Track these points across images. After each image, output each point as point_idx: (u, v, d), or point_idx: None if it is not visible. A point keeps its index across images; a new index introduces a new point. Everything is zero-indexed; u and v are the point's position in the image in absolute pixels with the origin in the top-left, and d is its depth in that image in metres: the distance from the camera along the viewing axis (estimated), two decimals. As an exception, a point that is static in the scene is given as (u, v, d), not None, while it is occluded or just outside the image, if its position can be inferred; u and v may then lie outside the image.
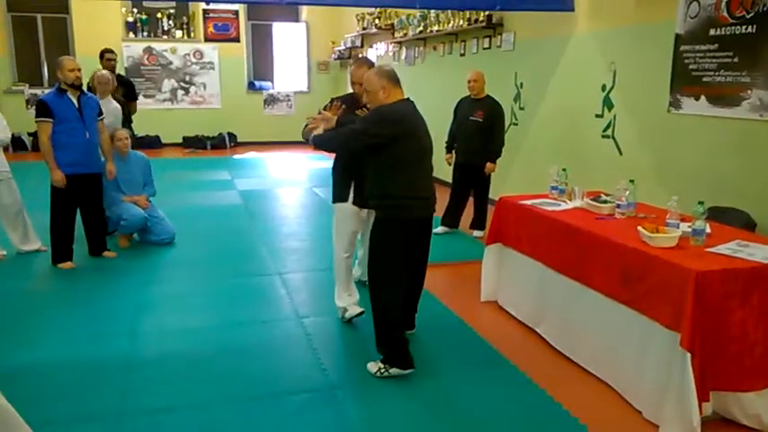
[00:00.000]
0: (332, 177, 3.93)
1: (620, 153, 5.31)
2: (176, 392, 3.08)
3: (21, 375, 3.20)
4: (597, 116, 5.57)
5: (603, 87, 5.48)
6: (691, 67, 4.51)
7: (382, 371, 3.22)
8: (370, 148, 3.12)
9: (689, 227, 3.03)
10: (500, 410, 2.96)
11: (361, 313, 3.86)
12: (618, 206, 3.59)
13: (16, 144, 11.45)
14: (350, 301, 3.93)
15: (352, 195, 3.78)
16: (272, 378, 3.25)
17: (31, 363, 3.36)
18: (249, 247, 5.74)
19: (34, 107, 4.92)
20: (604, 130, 5.50)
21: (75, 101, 4.80)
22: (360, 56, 4.02)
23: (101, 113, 5.12)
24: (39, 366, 3.33)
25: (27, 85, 11.86)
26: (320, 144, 3.31)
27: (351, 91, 3.95)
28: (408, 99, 3.22)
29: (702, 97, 4.43)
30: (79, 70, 4.81)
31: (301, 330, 3.84)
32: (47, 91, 5.20)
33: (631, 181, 3.67)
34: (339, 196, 3.85)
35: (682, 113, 4.63)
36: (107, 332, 3.79)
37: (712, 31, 4.31)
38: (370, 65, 3.70)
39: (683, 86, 4.59)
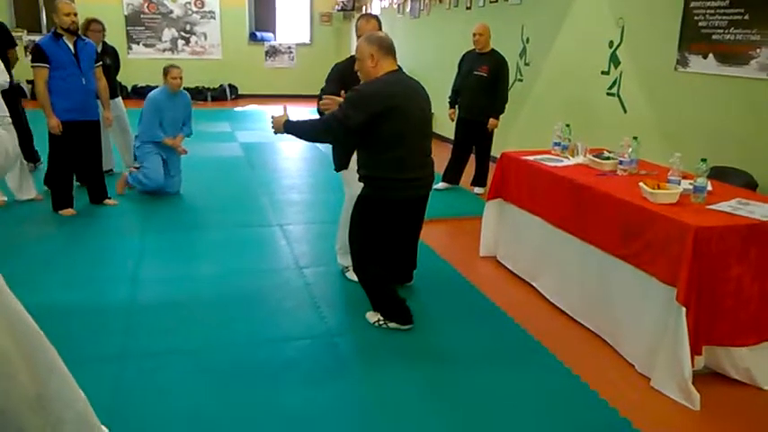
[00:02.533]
0: (332, 146, 3.75)
1: (625, 111, 5.27)
2: (177, 336, 3.13)
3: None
4: (603, 73, 5.50)
5: (611, 44, 5.40)
6: (700, 24, 4.44)
7: (381, 322, 3.26)
8: (354, 133, 2.96)
9: (690, 184, 3.03)
10: (493, 359, 3.01)
11: None
12: (620, 163, 3.58)
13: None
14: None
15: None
16: (271, 325, 3.30)
17: (33, 306, 3.32)
18: (250, 198, 5.75)
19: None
20: (610, 88, 5.44)
21: (71, 46, 4.73)
22: (367, 13, 3.80)
23: (98, 60, 5.05)
24: (40, 310, 3.29)
25: (25, 32, 11.66)
26: (304, 134, 3.12)
27: (353, 53, 3.79)
28: (398, 70, 3.05)
29: (710, 55, 4.37)
30: (75, 15, 4.72)
31: (301, 280, 3.88)
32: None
33: (635, 138, 3.65)
34: (343, 165, 3.71)
35: (689, 71, 4.57)
36: (108, 277, 3.83)
37: (724, -13, 4.22)
38: (379, 22, 3.60)
39: (692, 44, 4.52)
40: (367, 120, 2.91)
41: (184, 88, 5.72)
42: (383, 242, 3.23)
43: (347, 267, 3.89)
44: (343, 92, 3.32)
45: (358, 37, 3.61)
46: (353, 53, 3.17)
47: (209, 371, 2.82)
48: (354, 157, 3.52)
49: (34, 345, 1.63)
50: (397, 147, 3.00)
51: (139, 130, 5.53)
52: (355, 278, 3.56)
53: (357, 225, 3.22)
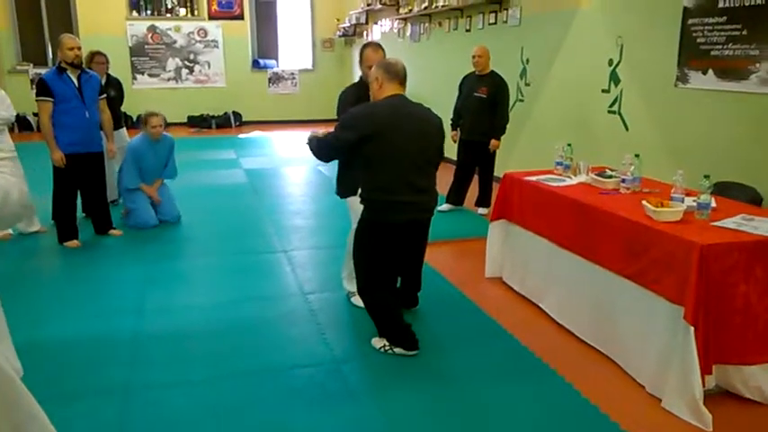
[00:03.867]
0: (338, 171, 3.76)
1: (627, 128, 5.27)
2: (183, 367, 3.12)
3: (29, 351, 3.21)
4: (604, 91, 5.52)
5: (610, 62, 5.42)
6: (699, 40, 4.45)
7: (386, 348, 3.24)
8: (347, 152, 3.10)
9: (694, 201, 3.01)
10: (501, 382, 2.98)
11: None
12: (623, 181, 3.57)
13: (21, 124, 11.48)
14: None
15: None
16: (277, 353, 3.28)
17: (39, 339, 3.40)
18: (255, 224, 5.76)
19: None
20: (611, 106, 5.45)
21: (75, 80, 4.79)
22: (375, 42, 3.81)
23: (102, 92, 5.11)
24: (46, 342, 3.37)
25: (31, 65, 11.83)
26: (314, 149, 3.23)
27: (357, 76, 3.81)
28: (399, 95, 3.09)
29: (710, 71, 4.38)
30: (79, 48, 4.79)
31: (306, 306, 3.86)
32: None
33: (636, 155, 3.64)
34: (350, 191, 3.66)
35: (689, 88, 4.58)
36: (114, 308, 3.82)
37: (721, 4, 4.24)
38: (384, 52, 3.68)
39: (691, 60, 4.54)
40: (356, 140, 3.00)
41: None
42: (385, 266, 3.22)
43: (353, 293, 3.86)
44: None
45: (361, 64, 3.69)
46: (356, 77, 3.22)
47: (215, 402, 2.80)
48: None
49: (12, 392, 1.58)
50: (385, 169, 3.03)
51: (119, 177, 5.55)
52: (361, 304, 3.52)
53: (359, 248, 3.24)
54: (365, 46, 3.76)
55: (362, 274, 3.24)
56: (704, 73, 4.43)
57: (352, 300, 3.88)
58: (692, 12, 4.48)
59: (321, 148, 3.18)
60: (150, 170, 5.62)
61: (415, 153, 3.07)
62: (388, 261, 3.23)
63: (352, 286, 3.84)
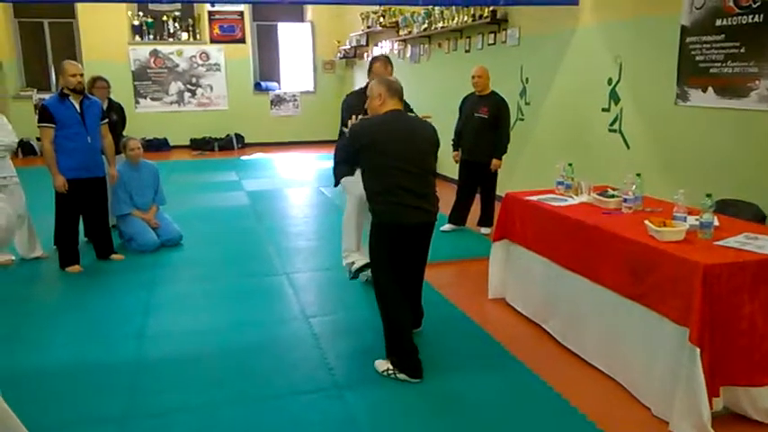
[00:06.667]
0: (334, 160, 4.26)
1: (628, 147, 5.27)
2: (183, 394, 3.08)
3: (28, 378, 3.21)
4: (604, 110, 5.53)
5: (610, 81, 5.44)
6: (697, 58, 4.47)
7: (389, 372, 3.21)
8: (353, 157, 3.44)
9: (696, 220, 2.99)
10: (507, 408, 2.94)
11: (367, 265, 4.08)
12: (625, 200, 3.55)
13: (25, 149, 11.55)
14: (358, 257, 4.27)
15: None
16: (278, 378, 3.24)
17: (39, 365, 3.37)
18: (256, 247, 5.75)
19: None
20: (611, 124, 5.45)
21: (77, 105, 4.81)
22: (385, 55, 4.18)
23: (104, 117, 5.13)
24: (46, 369, 3.34)
25: (35, 91, 11.93)
26: (338, 149, 3.55)
27: (359, 87, 4.21)
28: (398, 110, 3.30)
29: (710, 89, 4.38)
30: (81, 75, 4.82)
31: (308, 330, 3.83)
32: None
33: (638, 175, 3.63)
34: (342, 175, 4.17)
35: (689, 105, 4.58)
36: (114, 334, 3.80)
37: (718, 22, 4.26)
38: (390, 63, 4.16)
39: (690, 78, 4.55)
40: (359, 148, 3.26)
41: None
42: (398, 268, 3.31)
43: (351, 263, 4.26)
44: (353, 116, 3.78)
45: (369, 74, 4.10)
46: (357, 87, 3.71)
47: (214, 428, 2.77)
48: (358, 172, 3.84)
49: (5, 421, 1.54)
50: (385, 176, 3.19)
51: (112, 207, 5.51)
52: (363, 262, 4.09)
53: (373, 255, 3.36)
54: (375, 59, 4.17)
55: (379, 279, 3.32)
56: (704, 90, 4.43)
57: (352, 269, 4.24)
58: (690, 30, 4.50)
59: (340, 152, 3.54)
60: (138, 194, 5.63)
61: (410, 162, 3.21)
62: (395, 262, 3.30)
63: (349, 259, 4.32)
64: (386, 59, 4.19)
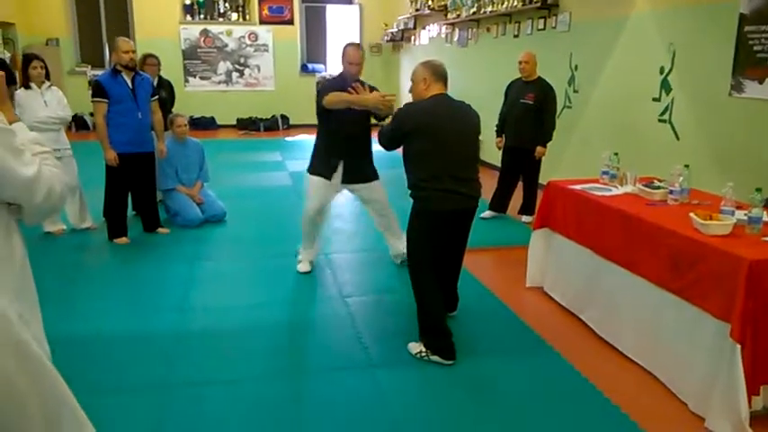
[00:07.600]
0: (314, 149, 4.39)
1: (678, 138, 5.13)
2: (221, 366, 3.17)
3: (72, 344, 3.33)
4: (654, 100, 5.39)
5: (662, 70, 5.29)
6: (755, 48, 4.30)
7: (422, 354, 3.23)
8: (397, 142, 3.32)
9: (745, 214, 2.91)
10: (539, 395, 2.93)
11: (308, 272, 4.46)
12: (671, 192, 3.47)
13: (79, 124, 11.91)
14: (305, 256, 4.53)
15: (340, 174, 4.27)
16: (314, 355, 3.31)
17: (83, 333, 3.50)
18: (297, 226, 5.77)
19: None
20: (661, 114, 5.31)
21: (129, 81, 4.93)
22: (354, 42, 4.39)
23: (154, 94, 5.25)
24: (89, 336, 3.47)
25: (89, 67, 12.25)
26: (379, 139, 3.43)
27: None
28: (443, 94, 3.27)
29: (767, 80, 4.22)
30: (134, 52, 4.94)
31: (344, 309, 3.88)
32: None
33: (686, 166, 3.54)
34: (315, 169, 4.35)
35: (744, 97, 4.43)
36: (157, 305, 3.92)
37: (780, 10, 4.09)
38: (362, 48, 4.27)
39: (747, 69, 4.39)
40: (404, 134, 3.24)
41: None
42: (434, 253, 3.29)
43: (300, 260, 4.54)
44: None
45: (342, 59, 4.26)
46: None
47: (251, 402, 2.84)
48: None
49: (45, 377, 1.59)
50: (429, 162, 3.18)
51: (158, 181, 5.60)
52: (303, 269, 4.44)
53: (410, 237, 3.35)
54: (347, 45, 4.25)
55: (416, 264, 3.32)
56: (761, 82, 4.27)
57: (299, 266, 4.49)
58: (749, 19, 4.33)
59: (384, 137, 3.38)
60: (184, 170, 5.78)
61: (456, 147, 3.21)
62: (436, 248, 3.30)
63: (299, 257, 4.59)
64: (357, 45, 4.29)
